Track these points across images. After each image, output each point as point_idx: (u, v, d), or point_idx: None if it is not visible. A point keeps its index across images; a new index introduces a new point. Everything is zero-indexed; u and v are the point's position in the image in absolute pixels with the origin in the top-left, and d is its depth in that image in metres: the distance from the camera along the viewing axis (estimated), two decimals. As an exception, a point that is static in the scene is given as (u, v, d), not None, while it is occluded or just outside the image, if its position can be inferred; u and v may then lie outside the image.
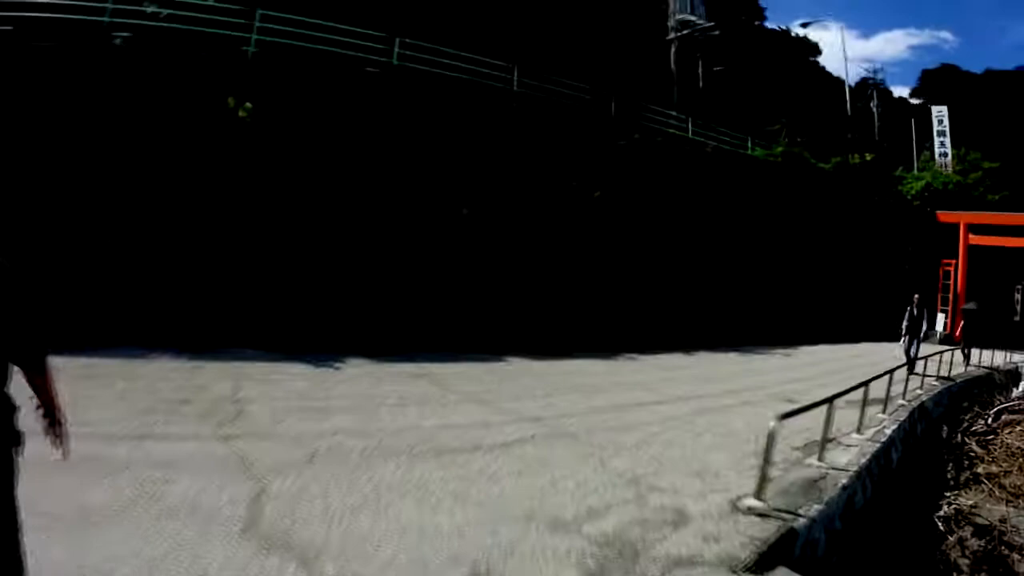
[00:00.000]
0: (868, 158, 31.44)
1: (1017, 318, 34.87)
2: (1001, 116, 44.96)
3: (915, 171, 34.90)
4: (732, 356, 15.11)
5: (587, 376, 10.58)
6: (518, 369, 10.64)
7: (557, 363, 11.42)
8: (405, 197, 12.18)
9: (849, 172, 27.75)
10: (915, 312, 13.60)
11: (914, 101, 51.97)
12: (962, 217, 25.67)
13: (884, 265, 25.33)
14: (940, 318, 25.46)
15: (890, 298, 25.85)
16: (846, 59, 63.53)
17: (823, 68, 46.52)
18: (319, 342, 9.73)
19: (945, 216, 26.32)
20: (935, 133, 38.26)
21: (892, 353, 14.44)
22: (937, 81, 56.00)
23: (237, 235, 10.33)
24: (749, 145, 24.62)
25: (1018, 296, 35.72)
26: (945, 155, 36.96)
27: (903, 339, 13.57)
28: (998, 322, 30.39)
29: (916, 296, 13.87)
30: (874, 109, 43.84)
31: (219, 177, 10.34)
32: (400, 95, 13.08)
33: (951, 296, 25.49)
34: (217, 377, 7.37)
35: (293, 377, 7.94)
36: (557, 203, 14.60)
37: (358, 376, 8.54)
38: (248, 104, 10.79)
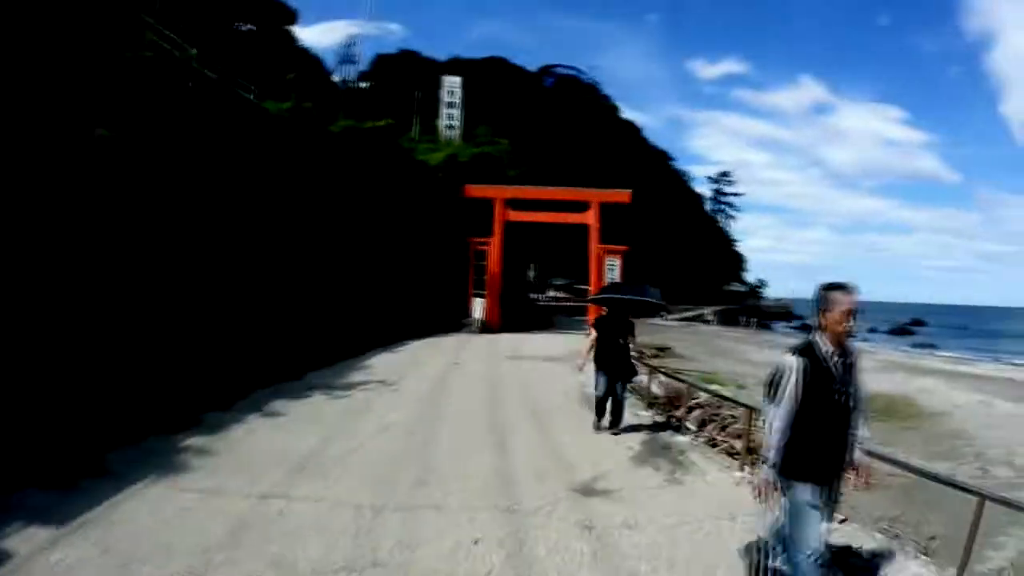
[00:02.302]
0: (382, 124, 27.51)
1: (536, 293, 37.79)
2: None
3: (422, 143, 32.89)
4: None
5: None
6: None
7: None
8: None
9: (363, 137, 22.84)
10: (611, 324, 8.28)
11: (363, 84, 51.44)
12: (499, 191, 23.70)
13: (416, 246, 21.36)
14: (477, 303, 23.11)
15: (430, 283, 22.41)
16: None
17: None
18: None
19: (476, 191, 23.95)
20: (443, 104, 37.50)
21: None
22: (394, 66, 58.05)
23: None
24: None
25: (530, 273, 38.76)
26: (453, 127, 36.54)
27: (597, 375, 8.23)
28: (522, 302, 31.20)
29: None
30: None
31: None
32: None
33: (487, 278, 23.33)
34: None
35: None
36: None
37: None
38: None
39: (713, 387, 14.74)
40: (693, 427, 11.36)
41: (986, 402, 15.63)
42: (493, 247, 23.40)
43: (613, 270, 22.52)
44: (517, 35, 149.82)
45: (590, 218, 23.13)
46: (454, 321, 22.29)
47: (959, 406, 15.16)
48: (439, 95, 37.48)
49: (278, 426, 7.63)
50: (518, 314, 25.12)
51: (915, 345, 44.16)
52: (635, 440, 7.72)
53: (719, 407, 13.17)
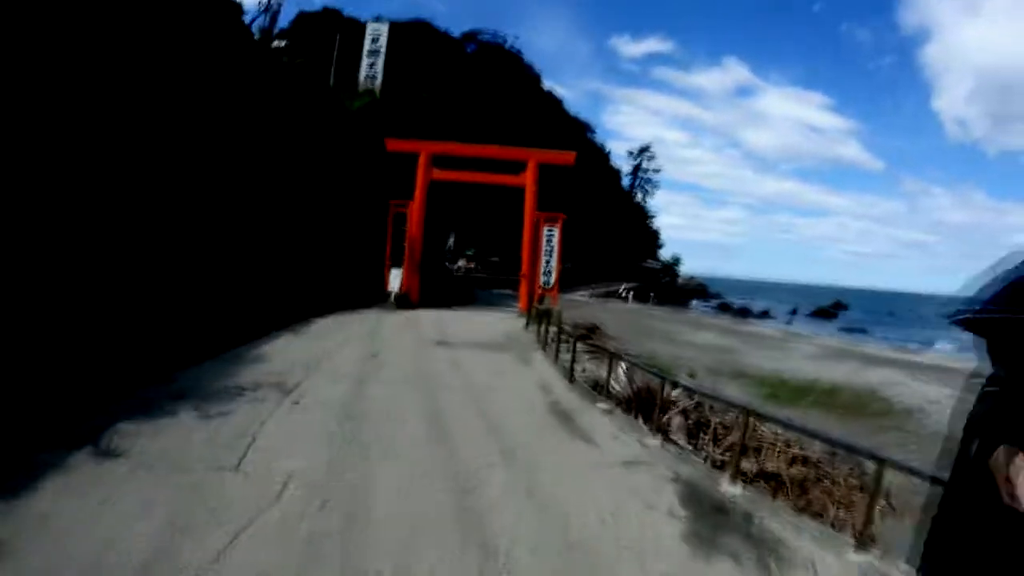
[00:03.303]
0: (298, 61, 23.52)
1: (450, 264, 34.51)
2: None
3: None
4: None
5: None
6: None
7: None
8: None
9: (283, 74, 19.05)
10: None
11: (278, 43, 46.95)
12: (425, 146, 20.47)
13: (327, 206, 18.04)
14: (395, 274, 20.00)
15: (341, 249, 19.05)
16: None
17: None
18: None
19: (399, 144, 20.65)
20: (365, 53, 33.32)
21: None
22: (315, 23, 53.62)
23: None
24: None
25: (450, 242, 35.49)
26: (375, 77, 32.53)
27: None
28: (441, 274, 28.09)
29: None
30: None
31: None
32: None
33: (407, 246, 20.22)
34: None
35: None
36: None
37: None
38: None
39: (685, 381, 12.84)
40: (679, 438, 9.24)
41: (961, 398, 14.61)
42: (414, 211, 20.28)
43: (551, 240, 20.08)
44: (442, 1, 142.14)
45: (527, 180, 20.47)
46: (367, 294, 19.12)
47: (933, 402, 14.32)
48: (362, 45, 33.15)
49: (100, 498, 4.51)
50: (437, 287, 22.23)
51: (843, 329, 44.10)
52: (666, 494, 5.24)
53: (699, 406, 11.16)
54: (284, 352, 10.03)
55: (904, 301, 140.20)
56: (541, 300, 19.85)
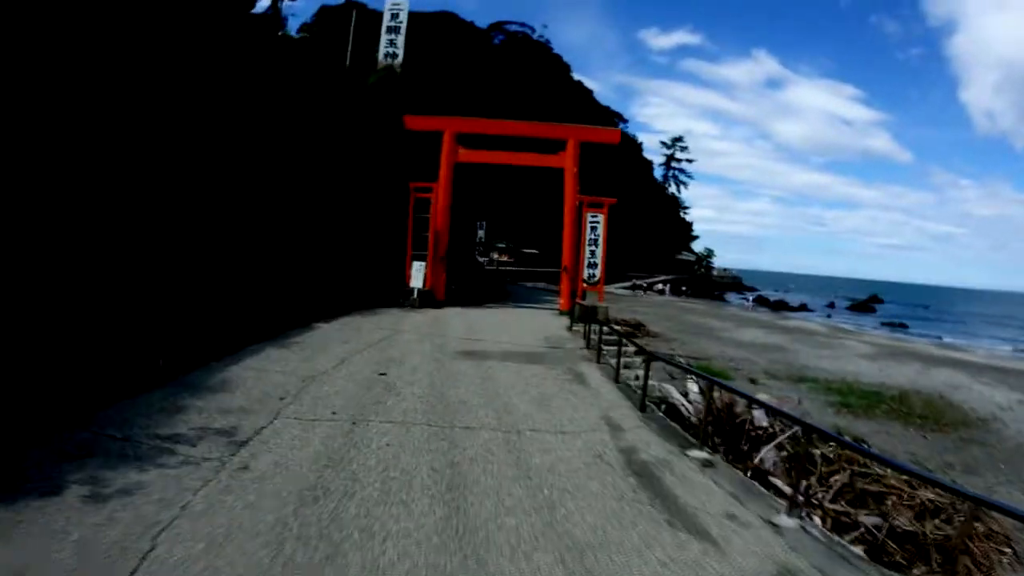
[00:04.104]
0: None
1: (481, 257, 31.96)
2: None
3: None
4: None
5: None
6: None
7: None
8: None
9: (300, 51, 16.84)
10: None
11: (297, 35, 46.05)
12: (449, 123, 18.01)
13: (340, 190, 15.76)
14: (418, 268, 17.59)
15: (355, 239, 16.73)
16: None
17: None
18: None
19: (420, 122, 18.23)
20: (384, 30, 30.98)
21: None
22: (337, 17, 52.48)
23: None
24: None
25: (480, 234, 32.97)
26: (395, 55, 30.14)
27: None
28: (471, 267, 25.66)
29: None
30: None
31: None
32: None
33: (431, 236, 17.80)
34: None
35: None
36: None
37: None
38: None
39: (777, 403, 10.14)
40: (783, 485, 6.61)
41: (1027, 402, 13.87)
42: (439, 196, 17.84)
43: (595, 229, 17.42)
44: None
45: (566, 161, 17.84)
46: (386, 291, 16.79)
47: (1005, 409, 14.11)
48: (380, 27, 30.85)
49: None
50: (465, 283, 19.82)
51: (885, 324, 41.94)
52: None
53: (797, 441, 8.53)
54: (260, 375, 7.61)
55: (935, 294, 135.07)
56: (584, 296, 17.26)
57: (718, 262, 74.69)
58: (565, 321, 15.89)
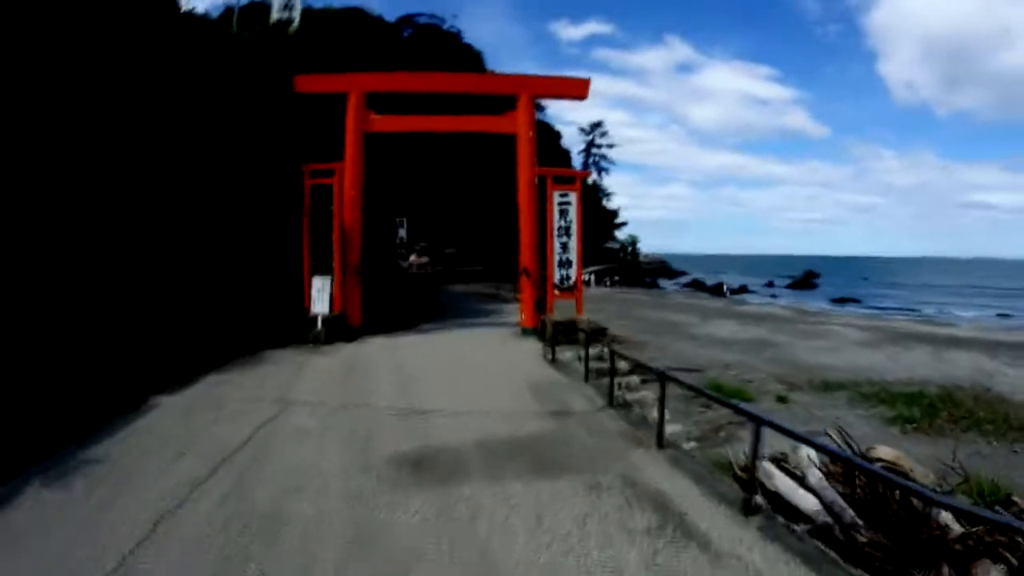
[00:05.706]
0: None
1: (404, 263, 26.12)
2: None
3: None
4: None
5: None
6: None
7: None
8: None
9: None
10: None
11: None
12: (356, 81, 12.78)
13: (200, 181, 10.40)
14: (320, 287, 12.34)
15: (227, 250, 11.33)
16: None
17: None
18: None
19: (316, 82, 12.94)
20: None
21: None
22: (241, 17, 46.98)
23: None
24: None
25: (402, 233, 27.31)
26: (292, 20, 24.35)
27: None
28: (393, 277, 20.22)
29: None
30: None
31: None
32: None
33: (336, 238, 12.59)
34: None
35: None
36: None
37: None
38: None
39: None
40: None
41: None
42: (345, 180, 12.65)
43: (567, 213, 12.70)
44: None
45: (518, 124, 13.08)
46: (281, 319, 11.54)
47: None
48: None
49: None
50: (389, 300, 14.67)
51: (835, 301, 40.01)
52: None
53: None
54: None
55: (866, 265, 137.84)
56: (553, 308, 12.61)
57: (641, 248, 72.41)
58: (535, 346, 11.28)
